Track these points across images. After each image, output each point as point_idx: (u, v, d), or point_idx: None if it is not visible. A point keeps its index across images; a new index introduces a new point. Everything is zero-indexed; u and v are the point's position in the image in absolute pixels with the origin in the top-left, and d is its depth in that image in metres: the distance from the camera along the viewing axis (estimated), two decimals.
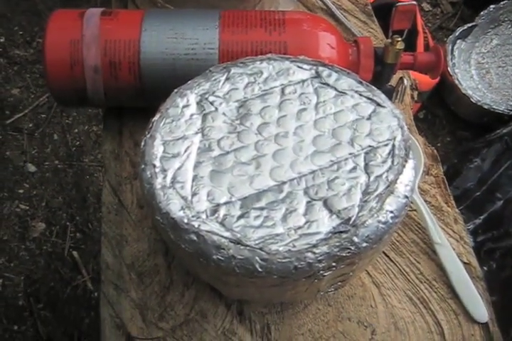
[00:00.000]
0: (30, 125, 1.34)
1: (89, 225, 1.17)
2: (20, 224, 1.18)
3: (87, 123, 1.35)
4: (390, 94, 0.56)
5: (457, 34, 1.41)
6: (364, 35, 0.68)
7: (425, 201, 0.54)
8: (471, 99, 1.32)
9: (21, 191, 1.23)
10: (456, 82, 1.35)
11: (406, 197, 0.39)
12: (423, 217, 0.53)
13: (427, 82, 1.26)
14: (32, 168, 1.27)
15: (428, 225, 0.52)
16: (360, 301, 0.50)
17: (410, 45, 1.17)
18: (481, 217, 1.03)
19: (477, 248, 0.98)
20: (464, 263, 0.52)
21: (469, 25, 1.41)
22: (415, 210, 0.54)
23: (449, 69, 1.36)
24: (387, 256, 0.52)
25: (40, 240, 1.16)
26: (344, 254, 0.36)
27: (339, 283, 0.43)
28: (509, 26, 1.42)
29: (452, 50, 1.40)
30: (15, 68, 1.44)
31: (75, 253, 1.13)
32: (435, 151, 0.59)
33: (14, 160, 1.28)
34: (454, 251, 0.52)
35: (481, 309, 0.49)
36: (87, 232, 1.16)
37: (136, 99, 0.55)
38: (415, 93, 0.65)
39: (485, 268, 0.96)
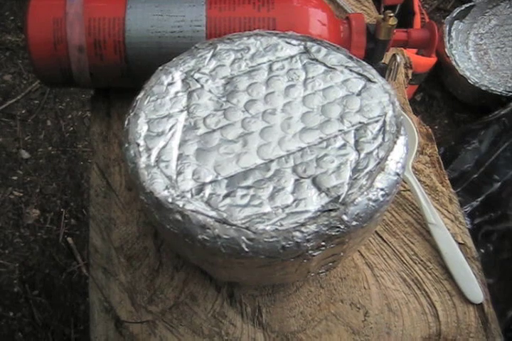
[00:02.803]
0: (23, 111, 1.33)
1: (83, 211, 1.16)
2: (14, 211, 1.17)
3: (81, 108, 1.33)
4: (383, 71, 0.55)
5: (455, 15, 1.38)
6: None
7: (419, 181, 0.53)
8: (469, 81, 1.31)
9: (15, 178, 1.22)
10: (454, 63, 1.33)
11: (397, 174, 0.38)
12: (417, 197, 0.52)
13: (424, 63, 1.24)
14: (25, 155, 1.25)
15: (422, 205, 0.52)
16: (353, 283, 0.49)
17: (407, 27, 1.15)
18: (479, 199, 1.02)
19: (475, 230, 0.97)
20: (459, 243, 0.51)
21: (467, 5, 1.39)
22: (409, 190, 0.53)
23: (446, 50, 1.34)
24: (381, 237, 0.51)
25: (35, 227, 1.15)
26: (333, 233, 0.35)
27: (330, 264, 0.42)
28: (507, 6, 1.39)
29: (450, 31, 1.37)
30: (7, 54, 1.42)
31: (69, 239, 1.12)
32: (430, 130, 0.58)
33: (7, 146, 1.26)
34: (448, 231, 0.51)
35: (475, 290, 0.48)
36: (81, 218, 1.15)
37: (123, 78, 0.53)
38: (409, 71, 0.63)
39: (482, 250, 0.95)
